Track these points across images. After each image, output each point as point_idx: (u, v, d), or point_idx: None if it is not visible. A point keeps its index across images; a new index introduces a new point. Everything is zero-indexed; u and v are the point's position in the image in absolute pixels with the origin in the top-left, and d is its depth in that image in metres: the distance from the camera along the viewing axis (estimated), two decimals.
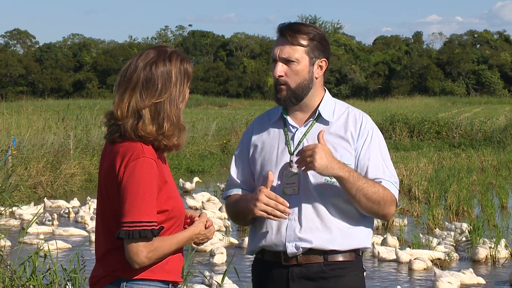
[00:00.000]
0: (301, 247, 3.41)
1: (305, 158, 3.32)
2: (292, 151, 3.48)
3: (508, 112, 41.21)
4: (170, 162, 20.73)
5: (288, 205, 3.37)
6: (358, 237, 3.47)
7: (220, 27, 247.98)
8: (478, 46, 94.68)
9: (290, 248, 3.41)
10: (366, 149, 3.45)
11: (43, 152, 17.87)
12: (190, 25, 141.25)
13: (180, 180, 17.71)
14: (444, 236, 11.44)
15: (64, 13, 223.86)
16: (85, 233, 12.13)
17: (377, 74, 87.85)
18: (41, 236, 11.44)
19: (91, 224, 12.58)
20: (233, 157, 3.66)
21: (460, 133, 29.37)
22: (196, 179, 17.64)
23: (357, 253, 3.50)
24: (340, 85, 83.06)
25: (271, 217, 3.36)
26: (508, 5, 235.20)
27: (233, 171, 3.62)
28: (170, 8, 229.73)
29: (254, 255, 3.62)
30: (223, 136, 28.78)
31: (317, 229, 3.40)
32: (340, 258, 3.44)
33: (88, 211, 13.80)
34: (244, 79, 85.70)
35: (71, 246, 11.18)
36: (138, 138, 3.02)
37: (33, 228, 12.40)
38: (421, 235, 11.29)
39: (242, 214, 3.49)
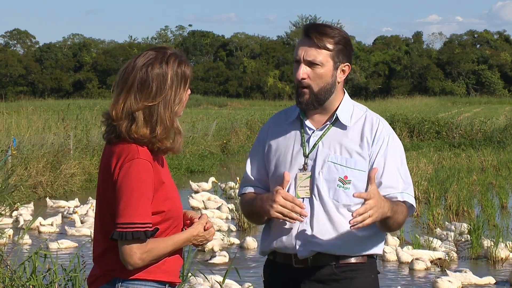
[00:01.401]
0: (312, 250, 3.37)
1: (364, 217, 3.19)
2: (307, 154, 3.43)
3: (508, 112, 41.22)
4: (170, 162, 20.70)
5: (304, 207, 3.32)
6: (370, 243, 3.42)
7: (220, 27, 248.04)
8: (478, 46, 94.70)
9: (301, 251, 3.38)
10: (381, 156, 3.38)
11: (43, 152, 17.87)
12: (190, 25, 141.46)
13: (191, 182, 17.56)
14: (444, 236, 11.45)
15: (64, 13, 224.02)
16: None
17: (377, 74, 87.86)
18: (47, 236, 11.54)
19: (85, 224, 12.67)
20: (249, 154, 3.62)
21: (460, 133, 29.39)
22: (212, 179, 17.48)
23: (369, 256, 3.46)
24: None
25: (287, 219, 3.30)
26: (508, 5, 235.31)
27: (248, 169, 3.57)
28: (170, 8, 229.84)
29: (266, 256, 3.59)
30: (223, 136, 28.79)
31: (328, 233, 3.36)
32: (352, 260, 3.40)
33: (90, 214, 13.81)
34: (244, 79, 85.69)
35: (77, 245, 11.22)
36: (132, 140, 3.01)
37: (47, 228, 12.50)
38: (420, 235, 11.29)
39: (257, 214, 3.45)
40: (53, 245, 10.91)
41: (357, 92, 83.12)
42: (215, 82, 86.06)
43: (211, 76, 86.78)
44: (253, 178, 3.55)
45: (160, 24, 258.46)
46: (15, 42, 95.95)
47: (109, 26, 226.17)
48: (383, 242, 3.51)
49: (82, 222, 13.20)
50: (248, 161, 3.60)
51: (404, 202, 3.39)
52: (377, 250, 3.45)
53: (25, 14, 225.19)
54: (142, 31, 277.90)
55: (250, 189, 3.55)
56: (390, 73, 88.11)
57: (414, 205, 3.43)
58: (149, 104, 3.01)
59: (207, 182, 17.30)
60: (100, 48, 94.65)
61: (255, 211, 3.44)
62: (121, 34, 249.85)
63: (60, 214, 13.63)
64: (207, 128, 29.78)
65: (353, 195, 3.25)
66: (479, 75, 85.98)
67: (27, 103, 38.42)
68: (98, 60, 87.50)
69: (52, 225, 12.79)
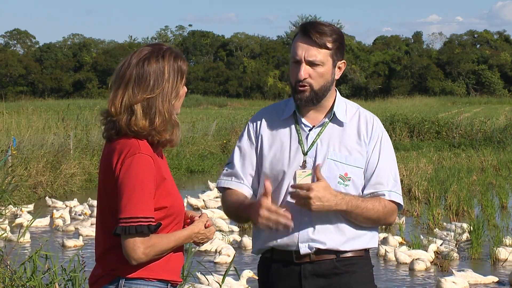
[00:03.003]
0: (315, 248, 3.40)
1: (301, 197, 3.30)
2: (305, 151, 3.44)
3: (508, 112, 41.18)
4: (170, 162, 20.70)
5: (290, 216, 3.31)
6: (367, 238, 3.48)
7: (220, 27, 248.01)
8: (478, 46, 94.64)
9: (304, 249, 3.40)
10: (377, 153, 3.46)
11: (43, 152, 17.87)
12: (190, 25, 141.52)
13: (209, 182, 17.44)
14: (444, 236, 11.44)
15: (64, 13, 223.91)
16: None
17: (377, 74, 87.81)
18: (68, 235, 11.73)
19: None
20: (237, 147, 3.56)
21: (460, 133, 29.37)
22: None
23: (366, 250, 3.53)
24: (340, 85, 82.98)
25: (274, 229, 3.33)
26: (508, 5, 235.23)
27: (237, 162, 3.52)
28: (170, 8, 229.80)
29: (260, 255, 3.58)
30: (223, 136, 28.77)
31: (329, 231, 3.40)
32: (352, 254, 3.46)
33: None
34: (244, 79, 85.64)
35: (83, 244, 11.27)
36: (132, 134, 3.02)
37: (68, 227, 12.60)
38: (421, 235, 11.29)
39: (245, 219, 3.50)
40: (69, 243, 11.15)
41: (357, 92, 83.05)
42: (215, 82, 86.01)
43: (211, 76, 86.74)
44: (239, 173, 3.52)
45: (160, 24, 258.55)
46: (15, 42, 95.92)
47: (109, 26, 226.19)
48: (378, 235, 3.57)
49: (73, 219, 13.32)
50: (236, 154, 3.54)
51: (391, 201, 3.46)
52: (373, 243, 3.52)
53: (25, 14, 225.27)
54: (142, 31, 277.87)
55: (235, 185, 3.51)
56: (390, 73, 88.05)
57: (402, 203, 3.50)
58: (148, 96, 3.03)
59: (205, 183, 17.22)
60: (100, 48, 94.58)
61: (243, 215, 3.46)
62: (121, 34, 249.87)
63: (48, 216, 13.65)
64: (207, 128, 29.77)
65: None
66: (479, 75, 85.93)
67: (27, 103, 38.46)
68: (98, 60, 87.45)
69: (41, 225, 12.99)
